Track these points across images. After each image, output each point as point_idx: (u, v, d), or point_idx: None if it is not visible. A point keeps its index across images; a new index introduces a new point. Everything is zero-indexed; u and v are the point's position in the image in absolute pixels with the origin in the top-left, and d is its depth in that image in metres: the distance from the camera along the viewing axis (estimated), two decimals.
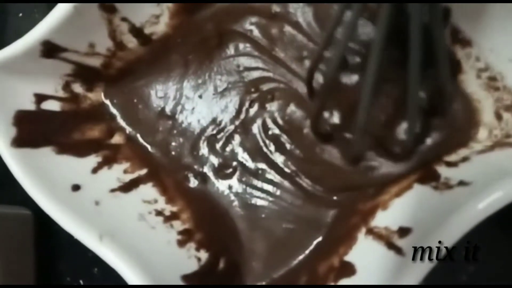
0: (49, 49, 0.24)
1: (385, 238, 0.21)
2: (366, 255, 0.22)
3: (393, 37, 0.20)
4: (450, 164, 0.22)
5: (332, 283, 0.22)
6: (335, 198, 0.25)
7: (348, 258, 0.22)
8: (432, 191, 0.21)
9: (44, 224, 0.32)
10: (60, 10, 0.23)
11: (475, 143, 0.22)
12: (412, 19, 0.19)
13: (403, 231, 0.20)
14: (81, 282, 0.32)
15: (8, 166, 0.23)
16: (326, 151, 0.26)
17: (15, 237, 0.30)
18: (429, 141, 0.24)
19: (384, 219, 0.22)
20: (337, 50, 0.21)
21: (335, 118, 0.26)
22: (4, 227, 0.28)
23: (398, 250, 0.19)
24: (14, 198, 0.33)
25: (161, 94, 0.28)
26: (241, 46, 0.28)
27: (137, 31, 0.26)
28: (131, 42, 0.26)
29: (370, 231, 0.22)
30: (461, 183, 0.20)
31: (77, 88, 0.27)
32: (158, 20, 0.26)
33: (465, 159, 0.21)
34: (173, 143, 0.28)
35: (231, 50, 0.28)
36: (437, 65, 0.21)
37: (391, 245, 0.20)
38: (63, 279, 0.32)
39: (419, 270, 0.18)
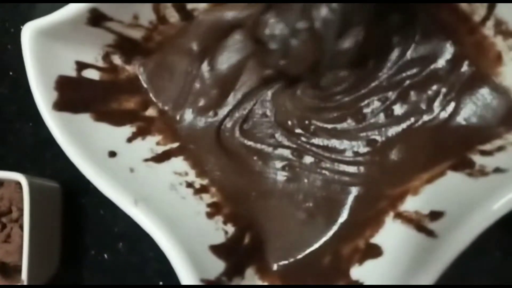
0: (95, 17, 0.24)
1: (415, 222, 0.21)
2: (393, 238, 0.22)
3: None
4: (484, 153, 0.22)
5: (357, 264, 0.23)
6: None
7: (375, 240, 0.23)
8: (466, 178, 0.21)
9: (71, 198, 0.33)
10: None
11: (510, 134, 0.22)
12: None
13: (435, 215, 0.20)
14: (105, 256, 0.32)
15: (48, 128, 0.24)
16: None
17: (44, 208, 0.30)
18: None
19: (414, 204, 0.22)
20: None
21: None
22: (36, 197, 0.29)
23: (430, 233, 0.20)
24: (43, 171, 0.34)
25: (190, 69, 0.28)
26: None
27: (180, 6, 0.26)
28: (173, 16, 0.27)
29: (399, 215, 0.23)
30: (497, 170, 0.20)
31: (116, 59, 0.27)
32: None
33: (500, 148, 0.22)
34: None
35: None
36: None
37: (421, 228, 0.20)
38: (87, 252, 0.32)
39: (451, 251, 0.18)
